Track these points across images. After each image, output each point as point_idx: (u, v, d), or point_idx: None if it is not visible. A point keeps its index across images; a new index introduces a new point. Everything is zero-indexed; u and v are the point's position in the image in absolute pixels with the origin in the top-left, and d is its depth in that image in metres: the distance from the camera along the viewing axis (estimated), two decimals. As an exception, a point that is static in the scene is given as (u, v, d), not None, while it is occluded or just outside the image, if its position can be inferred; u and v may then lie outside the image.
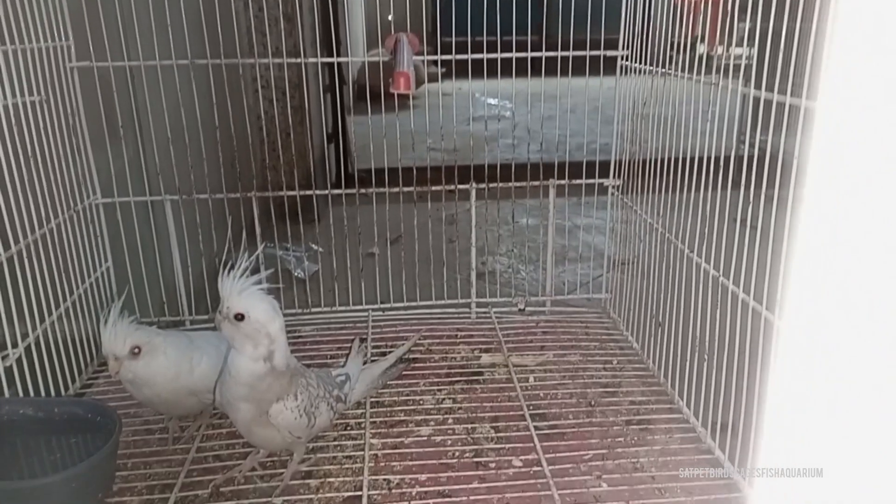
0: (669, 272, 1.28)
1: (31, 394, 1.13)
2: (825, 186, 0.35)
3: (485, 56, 1.51)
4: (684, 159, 1.19)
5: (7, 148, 1.10)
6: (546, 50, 1.53)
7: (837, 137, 0.35)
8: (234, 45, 1.48)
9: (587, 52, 1.52)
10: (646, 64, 1.38)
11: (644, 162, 1.40)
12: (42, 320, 1.18)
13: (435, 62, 1.62)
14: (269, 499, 1.03)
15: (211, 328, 1.04)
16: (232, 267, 0.94)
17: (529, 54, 1.53)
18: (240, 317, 0.93)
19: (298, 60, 1.56)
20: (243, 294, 0.94)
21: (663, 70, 1.30)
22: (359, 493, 1.04)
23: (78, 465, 0.92)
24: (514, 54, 1.53)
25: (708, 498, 1.03)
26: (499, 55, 1.52)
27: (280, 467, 1.10)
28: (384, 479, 1.08)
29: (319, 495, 1.04)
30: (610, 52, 1.51)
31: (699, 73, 1.15)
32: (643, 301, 1.43)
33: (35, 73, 1.21)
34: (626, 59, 1.48)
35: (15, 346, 1.09)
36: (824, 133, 0.35)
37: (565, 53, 1.54)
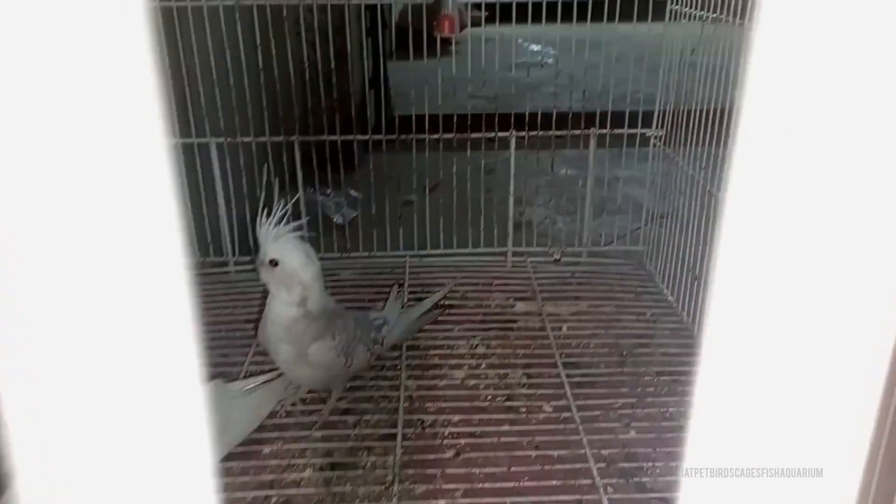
0: (709, 225, 1.26)
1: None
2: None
3: None
4: (730, 110, 1.16)
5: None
6: (592, -7, 1.49)
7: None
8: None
9: (635, -4, 1.47)
10: (696, 8, 1.33)
11: (689, 112, 1.37)
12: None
13: (478, 5, 1.60)
14: (310, 432, 1.08)
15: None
16: (269, 213, 0.97)
17: (575, -2, 1.49)
18: (274, 263, 0.96)
19: (342, 1, 1.55)
20: (279, 241, 0.96)
21: (714, 15, 1.26)
22: (394, 430, 1.08)
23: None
24: (559, -2, 1.49)
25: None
26: (543, -1, 1.48)
27: (320, 404, 1.15)
28: (418, 419, 1.12)
29: (357, 431, 1.09)
30: (659, -4, 1.46)
31: (751, 18, 1.11)
32: (680, 254, 1.42)
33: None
34: (676, 3, 1.43)
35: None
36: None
37: (612, -3, 1.50)
